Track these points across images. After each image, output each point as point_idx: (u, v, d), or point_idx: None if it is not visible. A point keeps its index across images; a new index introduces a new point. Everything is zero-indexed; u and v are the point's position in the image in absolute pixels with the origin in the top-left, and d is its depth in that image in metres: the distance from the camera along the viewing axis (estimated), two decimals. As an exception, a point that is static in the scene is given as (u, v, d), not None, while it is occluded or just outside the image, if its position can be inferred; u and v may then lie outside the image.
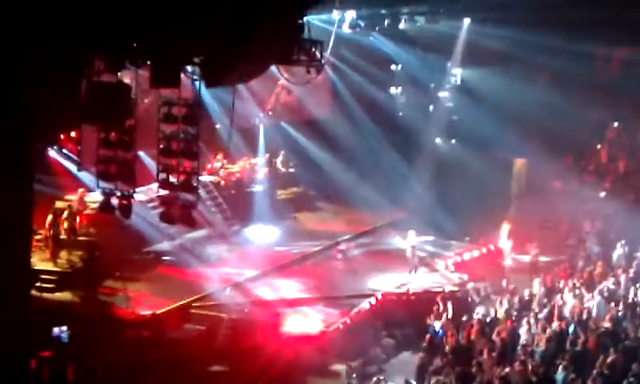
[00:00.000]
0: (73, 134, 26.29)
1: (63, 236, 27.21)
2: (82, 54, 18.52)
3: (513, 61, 34.23)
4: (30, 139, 18.32)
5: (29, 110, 17.10)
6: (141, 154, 25.01)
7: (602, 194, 35.05)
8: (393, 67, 37.39)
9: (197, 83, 20.89)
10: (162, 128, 22.14)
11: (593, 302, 24.56)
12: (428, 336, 23.77)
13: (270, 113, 34.48)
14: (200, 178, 22.63)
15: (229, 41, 17.04)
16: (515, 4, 29.50)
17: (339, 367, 23.02)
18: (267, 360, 22.58)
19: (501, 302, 25.24)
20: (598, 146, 37.49)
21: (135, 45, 18.88)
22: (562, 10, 29.91)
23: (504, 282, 27.60)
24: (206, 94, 26.16)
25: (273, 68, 23.13)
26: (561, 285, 26.40)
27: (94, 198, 25.56)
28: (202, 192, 27.84)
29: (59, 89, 17.77)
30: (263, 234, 32.38)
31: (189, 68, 20.99)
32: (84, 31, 17.15)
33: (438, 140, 37.74)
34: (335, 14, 22.81)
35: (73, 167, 27.82)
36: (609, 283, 25.94)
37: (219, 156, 34.60)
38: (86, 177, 26.98)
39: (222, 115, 32.19)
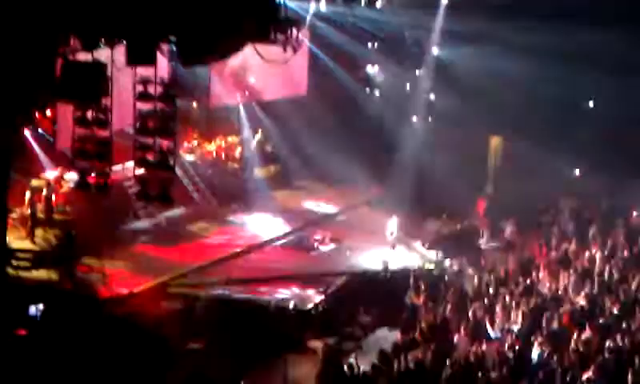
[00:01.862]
0: (48, 112, 26.22)
1: (40, 214, 27.13)
2: (57, 32, 18.47)
3: (489, 38, 34.11)
4: (5, 118, 18.29)
5: (3, 88, 17.05)
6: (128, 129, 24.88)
7: (578, 172, 35.20)
8: (369, 45, 37.24)
9: (173, 61, 20.88)
10: (137, 106, 22.09)
11: (568, 279, 24.70)
12: (404, 313, 23.92)
13: (246, 92, 34.35)
14: (177, 156, 22.59)
15: (205, 19, 17.06)
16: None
17: (316, 344, 23.06)
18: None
19: (477, 279, 25.33)
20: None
21: (110, 22, 18.84)
22: None
23: (480, 260, 27.71)
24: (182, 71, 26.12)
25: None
26: (536, 262, 26.52)
27: (71, 176, 25.46)
28: (178, 170, 27.90)
29: (34, 67, 17.73)
30: (241, 213, 32.41)
31: (166, 46, 20.96)
32: (59, 9, 17.11)
33: (414, 118, 37.65)
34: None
35: (48, 148, 27.72)
36: (584, 261, 26.07)
37: (195, 134, 34.53)
38: (61, 157, 26.90)
39: (198, 93, 32.12)
